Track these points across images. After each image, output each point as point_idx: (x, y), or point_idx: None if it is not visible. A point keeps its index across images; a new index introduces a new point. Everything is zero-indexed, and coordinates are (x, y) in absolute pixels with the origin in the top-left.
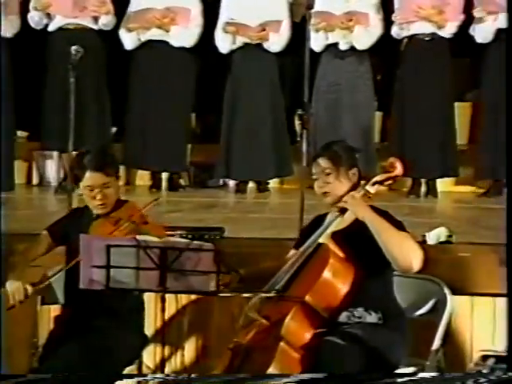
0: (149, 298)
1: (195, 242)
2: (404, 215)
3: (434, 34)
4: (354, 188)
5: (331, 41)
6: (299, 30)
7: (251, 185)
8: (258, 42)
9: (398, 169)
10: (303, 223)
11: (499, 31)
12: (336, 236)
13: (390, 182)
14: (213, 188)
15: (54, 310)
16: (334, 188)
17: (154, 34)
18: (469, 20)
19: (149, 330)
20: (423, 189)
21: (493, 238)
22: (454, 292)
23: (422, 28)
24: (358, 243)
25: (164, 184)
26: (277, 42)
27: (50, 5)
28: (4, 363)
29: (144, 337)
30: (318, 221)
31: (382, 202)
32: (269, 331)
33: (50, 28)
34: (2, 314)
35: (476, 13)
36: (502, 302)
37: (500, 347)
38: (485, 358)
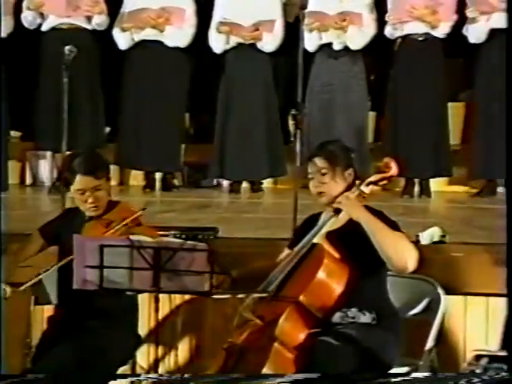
0: (142, 298)
1: (189, 242)
2: (398, 215)
3: (427, 34)
4: (349, 188)
5: (325, 41)
6: (293, 30)
7: (245, 185)
8: (252, 41)
9: (393, 169)
10: (297, 223)
11: (492, 31)
12: (330, 236)
13: (384, 182)
14: (206, 188)
15: (48, 310)
16: (329, 188)
17: (149, 33)
18: (462, 20)
19: (142, 330)
20: (417, 189)
21: (486, 237)
22: (448, 292)
23: (416, 28)
24: (352, 243)
25: (158, 184)
26: (270, 41)
27: (43, 4)
28: (4, 363)
29: (137, 337)
30: (312, 220)
31: (375, 202)
32: (263, 331)
33: (44, 28)
34: (2, 314)
35: (469, 13)
36: (495, 301)
37: (493, 347)
38: (478, 357)
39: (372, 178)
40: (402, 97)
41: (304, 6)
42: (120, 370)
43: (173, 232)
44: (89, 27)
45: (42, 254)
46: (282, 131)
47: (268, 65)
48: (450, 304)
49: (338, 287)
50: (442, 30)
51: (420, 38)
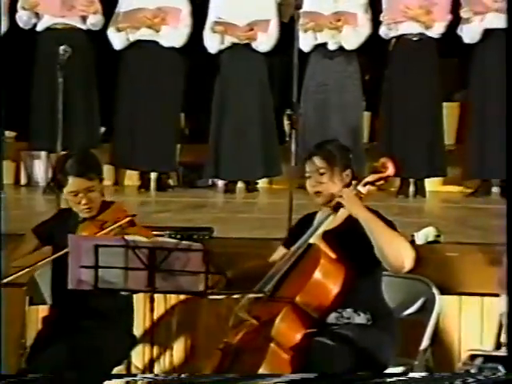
0: (137, 298)
1: (184, 242)
2: (393, 215)
3: (421, 34)
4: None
5: (320, 41)
6: (288, 30)
7: (240, 185)
8: (247, 41)
9: (390, 169)
10: (292, 223)
11: (486, 31)
12: (327, 236)
13: (381, 182)
14: (202, 188)
15: (42, 310)
16: (326, 188)
17: (144, 33)
18: (456, 20)
19: (137, 330)
20: (412, 189)
21: (480, 237)
22: (442, 292)
23: (410, 28)
24: (348, 243)
25: (152, 184)
26: (265, 41)
27: (38, 4)
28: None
29: (133, 337)
30: (308, 220)
31: (371, 202)
32: (259, 331)
33: (38, 28)
34: (2, 314)
35: (463, 13)
36: (489, 301)
37: (488, 347)
38: (473, 357)
39: (369, 178)
40: (396, 97)
41: (299, 6)
42: (115, 370)
43: (168, 232)
44: (84, 27)
45: (37, 253)
46: (277, 131)
47: (263, 65)
48: (444, 304)
49: (334, 287)
50: (436, 30)
51: (414, 38)
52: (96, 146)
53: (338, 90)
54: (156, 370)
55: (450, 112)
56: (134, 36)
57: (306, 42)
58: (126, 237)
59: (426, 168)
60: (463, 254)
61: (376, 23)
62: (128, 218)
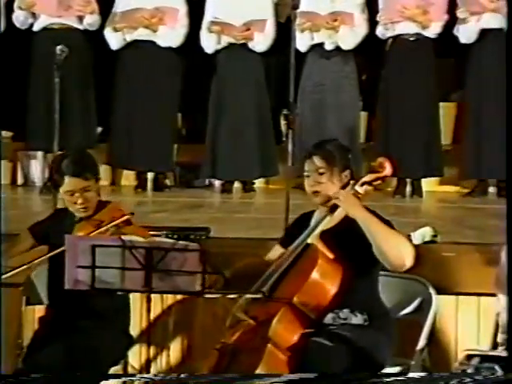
0: (134, 298)
1: (181, 242)
2: (390, 215)
3: (418, 34)
4: (343, 188)
5: (316, 41)
6: (284, 30)
7: (237, 185)
8: (243, 41)
9: (387, 169)
10: (289, 223)
11: (483, 31)
12: (324, 236)
13: (378, 182)
14: (198, 188)
15: (39, 310)
16: (325, 188)
17: (141, 33)
18: (453, 20)
19: (134, 330)
20: (408, 189)
21: (477, 237)
22: (439, 292)
23: (407, 28)
24: (346, 242)
25: (149, 184)
26: (262, 41)
27: (35, 4)
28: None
29: (129, 337)
30: (305, 219)
31: (367, 202)
32: (256, 331)
33: (35, 28)
34: (9, 314)
35: (459, 13)
36: (486, 301)
37: (485, 346)
38: (469, 357)
39: (366, 178)
40: (393, 97)
41: (296, 6)
42: (112, 370)
43: (165, 232)
44: (80, 27)
45: (32, 252)
46: (273, 131)
47: (260, 65)
48: (441, 304)
49: (331, 288)
50: (433, 30)
51: (411, 38)
52: (93, 146)
53: (334, 90)
54: (153, 370)
55: (446, 112)
56: (131, 36)
57: (302, 41)
58: (123, 237)
59: (423, 168)
60: (460, 253)
61: (373, 23)
62: (124, 217)
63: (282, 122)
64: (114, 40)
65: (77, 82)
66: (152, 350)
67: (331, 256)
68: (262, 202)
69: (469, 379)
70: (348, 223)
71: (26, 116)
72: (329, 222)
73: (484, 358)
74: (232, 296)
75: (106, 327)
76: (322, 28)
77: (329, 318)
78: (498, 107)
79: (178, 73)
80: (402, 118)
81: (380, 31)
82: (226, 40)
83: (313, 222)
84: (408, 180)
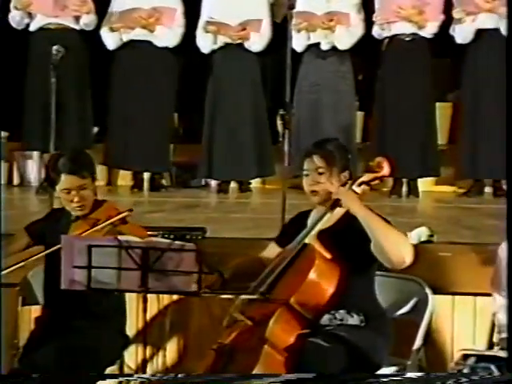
0: (130, 299)
1: (177, 242)
2: (386, 215)
3: (414, 34)
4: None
5: (313, 41)
6: (281, 30)
7: (233, 185)
8: (239, 41)
9: (385, 169)
10: (285, 223)
11: (478, 31)
12: (321, 235)
13: (376, 182)
14: (195, 188)
15: (35, 310)
16: (323, 188)
17: (138, 33)
18: (449, 20)
19: (130, 330)
20: (405, 189)
21: (473, 237)
22: (435, 291)
23: (403, 28)
24: (343, 242)
25: (146, 184)
26: (258, 41)
27: (31, 3)
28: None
29: (126, 337)
30: (301, 218)
31: (363, 202)
32: (253, 332)
33: (31, 28)
34: (5, 314)
35: (455, 13)
36: (482, 301)
37: (481, 346)
38: (465, 357)
39: (364, 178)
40: (389, 97)
41: (292, 7)
42: (108, 371)
43: (161, 232)
44: (77, 27)
45: (28, 252)
46: (270, 131)
47: (256, 65)
48: (437, 304)
49: (329, 288)
50: (429, 30)
51: (407, 38)
52: (89, 146)
53: (330, 90)
54: (149, 370)
55: (442, 112)
56: (128, 36)
57: (298, 41)
58: (120, 237)
59: (419, 168)
60: (456, 253)
61: (369, 23)
62: (120, 215)
63: (279, 122)
64: (111, 40)
65: (73, 82)
66: (148, 350)
67: (328, 256)
68: (258, 202)
69: (465, 379)
70: (345, 223)
71: (23, 116)
72: (326, 222)
73: (480, 358)
74: (229, 296)
75: (102, 327)
76: (318, 28)
77: (325, 319)
78: (494, 107)
79: (175, 73)
80: (398, 118)
81: (376, 31)
82: (222, 40)
83: (310, 221)
84: (404, 180)
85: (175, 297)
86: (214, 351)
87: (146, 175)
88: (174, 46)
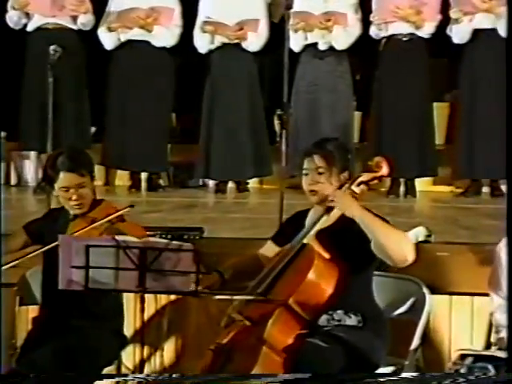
0: (128, 299)
1: (174, 242)
2: (383, 215)
3: (412, 34)
4: (340, 189)
5: (310, 41)
6: (278, 30)
7: (231, 185)
8: (237, 41)
9: (384, 169)
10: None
11: (475, 31)
12: (320, 235)
13: (375, 181)
14: (192, 188)
15: (32, 310)
16: (323, 188)
17: (136, 33)
18: (446, 20)
19: (128, 330)
20: (402, 188)
21: (471, 237)
22: (433, 291)
23: (400, 28)
24: (342, 242)
25: (143, 184)
26: (255, 41)
27: (28, 3)
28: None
29: (123, 337)
30: (299, 217)
31: (361, 202)
32: (251, 331)
33: (29, 28)
34: (2, 314)
35: (452, 13)
36: (480, 301)
37: (478, 346)
38: (463, 357)
39: (363, 178)
40: (387, 97)
41: (289, 7)
42: (105, 371)
43: (158, 232)
44: (74, 27)
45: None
46: (267, 131)
47: (253, 65)
48: (435, 303)
49: (328, 288)
50: (426, 30)
51: (405, 38)
52: (87, 146)
53: (328, 89)
54: (146, 370)
55: (440, 112)
56: (126, 36)
57: (296, 41)
58: (117, 237)
59: (417, 168)
60: (453, 253)
61: (366, 23)
62: (121, 211)
63: (276, 122)
64: (108, 40)
65: (71, 82)
66: (146, 350)
67: (327, 256)
68: (255, 202)
69: (462, 379)
70: (344, 222)
71: (20, 116)
72: (325, 222)
73: (477, 358)
74: (227, 297)
75: (99, 327)
76: (316, 28)
77: (323, 320)
78: (491, 107)
79: (172, 73)
80: (396, 117)
81: (373, 31)
82: (219, 40)
83: (308, 221)
84: (402, 180)
85: (173, 297)
86: (212, 351)
87: (144, 175)
88: (172, 46)
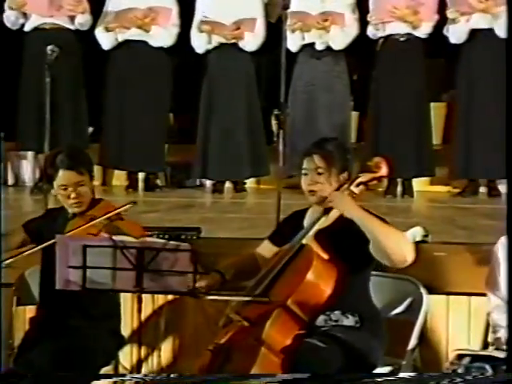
0: (125, 299)
1: (172, 242)
2: (381, 215)
3: (409, 34)
4: (338, 189)
5: (307, 41)
6: (275, 30)
7: (228, 185)
8: (234, 41)
9: (383, 169)
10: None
11: (472, 31)
12: (319, 236)
13: (374, 182)
14: (190, 188)
15: (30, 310)
16: (322, 188)
17: (133, 33)
18: (443, 21)
19: (125, 330)
20: (399, 188)
21: (468, 237)
22: (430, 291)
23: (397, 28)
24: (340, 242)
25: (140, 184)
26: (252, 40)
27: (26, 3)
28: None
29: (120, 337)
30: (297, 217)
31: (358, 202)
32: (249, 332)
33: (26, 28)
34: (3, 313)
35: (449, 14)
36: (477, 301)
37: (475, 346)
38: (460, 356)
39: (362, 179)
40: (384, 97)
41: (286, 7)
42: (103, 371)
43: (156, 232)
44: (72, 27)
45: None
46: (264, 131)
47: (250, 65)
48: (432, 303)
49: (326, 289)
50: (423, 30)
51: (402, 39)
52: (84, 146)
53: (325, 89)
54: (144, 370)
55: (437, 112)
56: (123, 36)
57: (293, 41)
58: (114, 237)
59: (414, 168)
60: (451, 253)
61: (363, 23)
62: (123, 208)
63: (273, 122)
64: (106, 40)
65: (68, 82)
66: (143, 351)
67: (326, 257)
68: (253, 202)
69: (459, 379)
70: (342, 223)
71: (17, 116)
72: (323, 222)
73: (475, 358)
74: (225, 298)
75: (96, 327)
76: (313, 28)
77: (320, 320)
78: (488, 107)
79: (170, 73)
80: (393, 117)
81: (371, 31)
82: (216, 40)
83: (307, 221)
84: (399, 180)
85: (170, 297)
86: (211, 352)
87: (141, 175)
88: (169, 46)
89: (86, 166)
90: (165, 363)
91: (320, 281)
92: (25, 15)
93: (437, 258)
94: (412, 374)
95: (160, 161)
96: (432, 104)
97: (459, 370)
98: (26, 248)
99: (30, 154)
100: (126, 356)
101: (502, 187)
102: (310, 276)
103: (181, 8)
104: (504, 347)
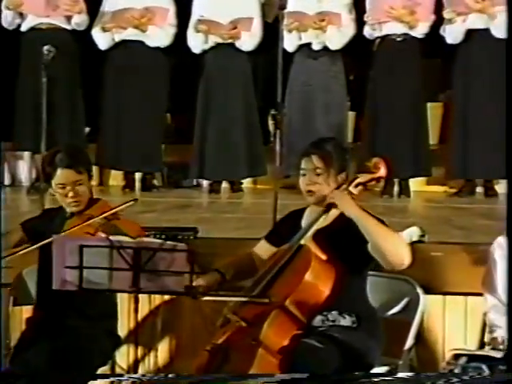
0: (122, 299)
1: (169, 242)
2: (377, 215)
3: (406, 34)
4: (337, 189)
5: (304, 41)
6: (272, 30)
7: (225, 185)
8: (230, 40)
9: (382, 170)
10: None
11: (469, 32)
12: (317, 236)
13: (373, 183)
14: (186, 188)
15: (26, 311)
16: (320, 189)
17: (130, 33)
18: (440, 21)
19: (122, 330)
20: (396, 188)
21: (464, 237)
22: (427, 291)
23: (394, 28)
24: (338, 242)
25: (137, 184)
26: (248, 40)
27: (22, 3)
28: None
29: (117, 337)
30: (294, 217)
31: (356, 202)
32: (246, 332)
33: (23, 28)
34: (3, 313)
35: (446, 14)
36: (473, 301)
37: (472, 346)
38: (457, 356)
39: (361, 179)
40: (381, 97)
41: (283, 7)
42: (99, 371)
43: (153, 232)
44: (68, 27)
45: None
46: (261, 131)
47: (247, 65)
48: (429, 303)
49: (325, 290)
50: (420, 30)
51: (398, 39)
52: (83, 146)
53: (322, 90)
54: (140, 370)
55: (433, 112)
56: (120, 36)
57: (290, 42)
58: (111, 237)
59: (411, 168)
60: (447, 253)
61: (360, 23)
62: (124, 205)
63: (270, 122)
64: (103, 40)
65: (65, 82)
66: (140, 351)
67: (324, 257)
68: (249, 202)
69: (456, 379)
70: (340, 223)
71: (14, 116)
72: (322, 222)
73: (471, 358)
74: (224, 298)
75: (93, 327)
76: (310, 28)
77: (317, 320)
78: (484, 107)
79: (167, 73)
80: (390, 118)
81: (367, 31)
82: (213, 40)
83: (304, 221)
84: (396, 180)
85: (167, 297)
86: (208, 352)
87: (138, 175)
88: (166, 46)
89: (85, 165)
90: (162, 363)
91: (318, 281)
92: (21, 15)
93: (433, 258)
94: (409, 373)
95: (157, 161)
96: (429, 104)
97: (456, 370)
98: (22, 247)
99: (26, 154)
100: (123, 356)
101: (499, 187)
102: (308, 277)
103: (177, 8)
104: (500, 347)
